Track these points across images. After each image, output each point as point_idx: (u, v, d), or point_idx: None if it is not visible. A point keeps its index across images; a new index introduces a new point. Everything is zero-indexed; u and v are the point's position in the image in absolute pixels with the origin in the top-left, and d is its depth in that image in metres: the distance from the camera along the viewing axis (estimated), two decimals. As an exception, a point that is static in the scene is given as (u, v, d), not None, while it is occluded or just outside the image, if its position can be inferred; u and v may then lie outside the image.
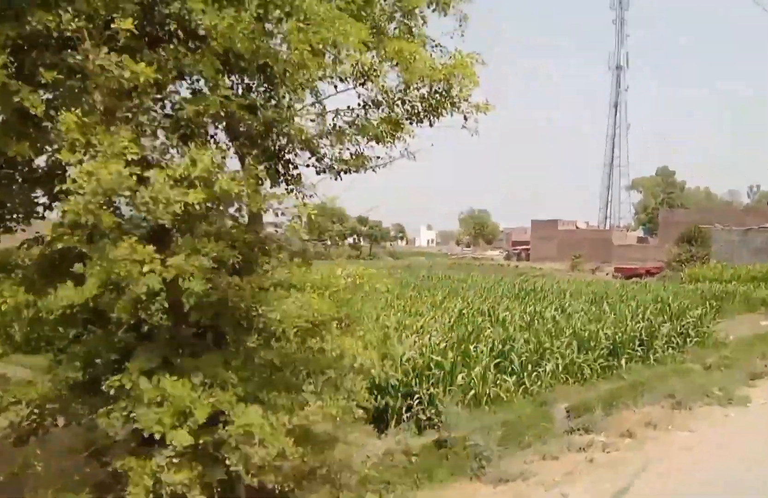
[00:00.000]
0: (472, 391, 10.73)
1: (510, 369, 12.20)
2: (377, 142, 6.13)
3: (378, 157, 6.42)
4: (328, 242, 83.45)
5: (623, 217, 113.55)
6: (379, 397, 10.26)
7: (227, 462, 4.61)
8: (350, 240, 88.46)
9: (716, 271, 39.79)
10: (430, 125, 5.96)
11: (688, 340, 16.69)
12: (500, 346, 12.60)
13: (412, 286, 28.18)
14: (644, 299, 21.53)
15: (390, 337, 11.78)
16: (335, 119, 5.89)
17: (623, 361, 14.02)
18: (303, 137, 5.56)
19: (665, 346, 15.64)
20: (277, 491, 5.04)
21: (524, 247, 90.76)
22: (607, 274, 56.96)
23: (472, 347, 12.25)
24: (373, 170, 6.43)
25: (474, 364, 11.44)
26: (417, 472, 8.30)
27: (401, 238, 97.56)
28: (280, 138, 5.60)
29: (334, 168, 6.25)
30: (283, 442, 4.59)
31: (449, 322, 15.84)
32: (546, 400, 11.57)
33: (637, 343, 15.05)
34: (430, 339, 11.87)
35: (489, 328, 14.39)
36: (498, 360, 12.39)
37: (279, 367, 5.20)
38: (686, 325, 17.20)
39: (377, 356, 6.21)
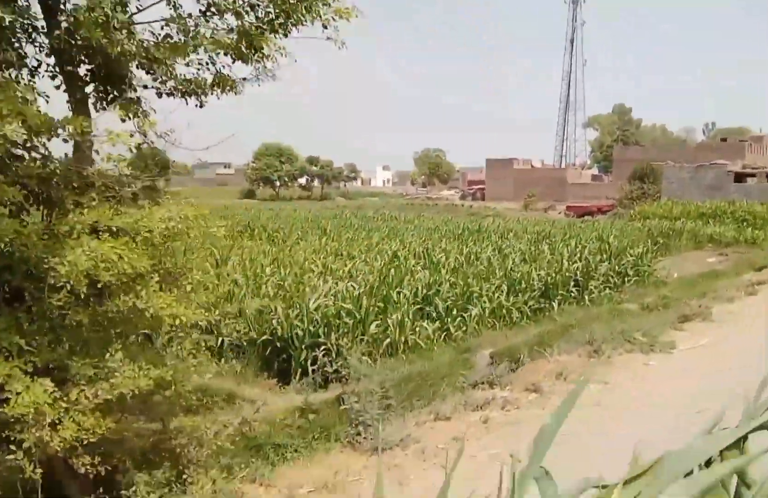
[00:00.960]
0: (388, 340, 10.10)
1: (435, 314, 11.64)
2: (237, 60, 5.25)
3: (243, 78, 5.55)
4: (277, 183, 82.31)
5: (579, 154, 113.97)
6: (281, 349, 9.64)
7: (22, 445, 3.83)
8: (301, 180, 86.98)
9: (666, 208, 39.93)
10: (285, 35, 5.07)
11: (626, 279, 16.32)
12: (425, 291, 12.00)
13: (355, 227, 27.47)
14: (587, 238, 21.21)
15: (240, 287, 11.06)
16: (166, 27, 4.95)
17: (555, 303, 13.55)
18: (132, 51, 4.62)
19: (602, 286, 15.24)
20: (103, 473, 4.29)
21: (479, 186, 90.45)
22: (559, 213, 56.95)
23: (394, 292, 11.63)
24: (234, 92, 5.53)
25: (394, 310, 10.81)
26: (314, 432, 7.64)
27: (354, 179, 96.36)
28: (108, 52, 4.65)
29: (179, 89, 5.32)
30: (82, 420, 3.82)
31: (380, 265, 15.20)
32: (470, 346, 11.03)
33: (572, 283, 14.61)
34: (346, 285, 11.17)
35: (419, 271, 13.79)
36: (421, 305, 11.84)
37: (90, 330, 4.36)
38: (625, 265, 16.83)
39: (212, 312, 5.40)
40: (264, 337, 9.76)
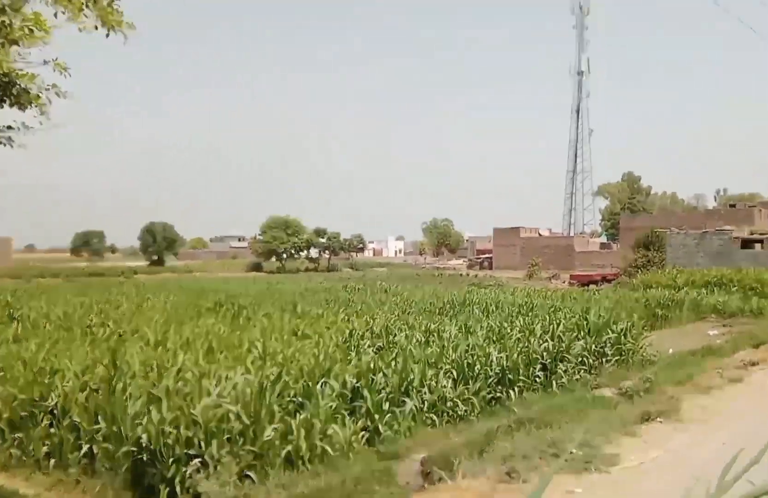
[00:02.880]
0: (289, 448, 8.20)
1: (365, 410, 9.76)
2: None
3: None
4: (284, 255, 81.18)
5: (588, 223, 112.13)
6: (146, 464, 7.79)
7: None
8: (308, 252, 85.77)
9: (669, 277, 37.93)
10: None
11: (604, 360, 14.32)
12: (354, 381, 10.14)
13: (330, 301, 25.73)
14: (575, 310, 19.28)
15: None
16: None
17: (514, 392, 11.59)
18: None
19: (575, 368, 13.27)
20: None
21: (487, 255, 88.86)
22: (563, 282, 54.96)
23: (318, 386, 9.80)
24: None
25: (314, 407, 8.96)
26: None
27: (362, 249, 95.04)
28: None
29: None
30: None
31: (328, 346, 13.42)
32: (398, 451, 9.10)
33: (539, 366, 12.66)
34: (247, 379, 9.30)
35: (364, 354, 12.00)
36: (352, 398, 9.98)
37: None
38: (605, 342, 14.84)
39: None
40: (125, 448, 7.93)
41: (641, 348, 15.86)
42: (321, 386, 9.89)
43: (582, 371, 13.41)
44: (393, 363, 10.95)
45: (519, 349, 12.65)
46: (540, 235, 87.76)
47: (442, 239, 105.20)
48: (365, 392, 9.86)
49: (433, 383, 10.61)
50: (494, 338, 14.31)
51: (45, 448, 8.63)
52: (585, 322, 15.53)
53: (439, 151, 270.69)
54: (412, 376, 10.56)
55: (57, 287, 40.83)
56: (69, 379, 9.94)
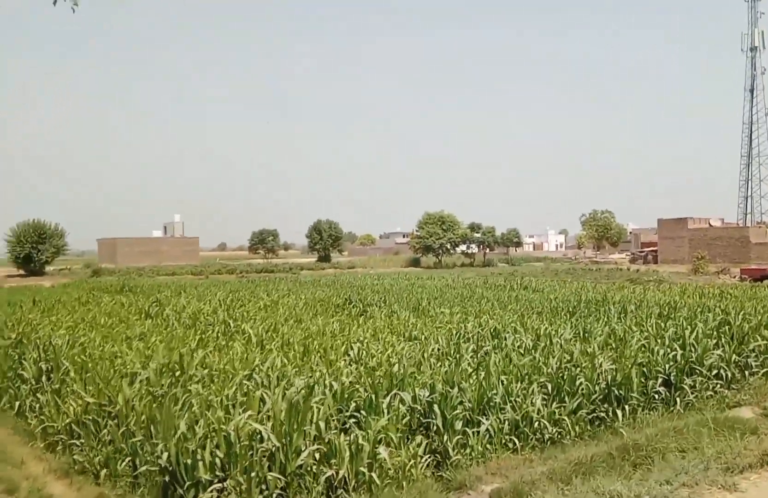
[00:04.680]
0: (329, 473, 7.02)
1: (435, 430, 8.38)
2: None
3: None
4: (440, 251, 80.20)
5: (766, 211, 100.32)
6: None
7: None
8: (463, 247, 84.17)
9: None
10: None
11: (747, 372, 11.75)
12: (426, 395, 8.77)
13: (463, 299, 24.24)
14: (728, 311, 16.46)
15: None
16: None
17: (622, 411, 9.57)
18: None
19: (708, 382, 10.92)
20: None
21: (651, 249, 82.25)
22: (734, 276, 49.19)
23: (386, 399, 8.57)
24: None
25: (368, 426, 7.75)
26: None
27: (518, 244, 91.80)
28: None
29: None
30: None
31: (420, 352, 12.20)
32: (466, 480, 7.63)
33: (660, 381, 10.49)
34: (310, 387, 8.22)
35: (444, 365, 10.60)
36: (424, 415, 8.63)
37: None
38: (751, 352, 12.22)
39: None
40: (144, 467, 7.16)
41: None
42: (390, 399, 8.68)
43: (719, 386, 11.03)
44: (475, 374, 9.44)
45: (635, 358, 10.59)
46: (710, 225, 79.72)
47: (603, 232, 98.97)
48: (435, 408, 8.47)
49: (520, 399, 8.97)
50: (613, 345, 12.29)
51: (99, 457, 8.11)
52: (728, 327, 12.95)
53: (601, 139, 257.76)
54: (494, 391, 9.00)
55: (220, 283, 42.69)
56: (139, 382, 9.52)
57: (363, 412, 8.34)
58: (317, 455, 7.18)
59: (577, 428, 9.09)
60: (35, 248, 67.36)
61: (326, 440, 7.33)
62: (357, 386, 9.09)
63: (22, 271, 67.46)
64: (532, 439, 8.68)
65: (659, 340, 12.06)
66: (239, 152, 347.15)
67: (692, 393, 10.57)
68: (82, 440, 8.67)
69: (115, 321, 17.93)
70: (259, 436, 6.99)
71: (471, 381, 9.20)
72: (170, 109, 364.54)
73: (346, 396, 8.65)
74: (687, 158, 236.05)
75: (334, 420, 8.13)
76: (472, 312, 18.86)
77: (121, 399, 8.78)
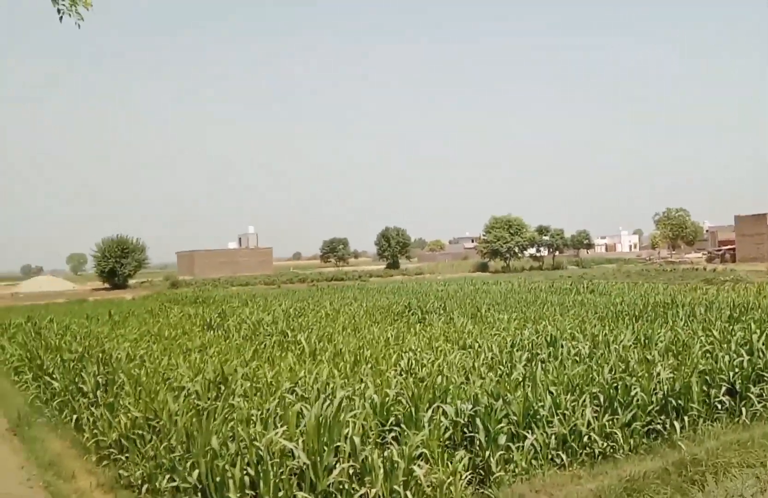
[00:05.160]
0: (362, 491, 6.73)
1: (478, 444, 7.96)
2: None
3: None
4: (507, 254, 78.77)
5: None
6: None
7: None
8: (532, 250, 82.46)
9: None
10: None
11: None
12: (469, 408, 8.37)
13: (525, 303, 23.55)
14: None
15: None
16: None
17: (680, 423, 8.87)
18: None
19: (775, 393, 10.04)
20: None
21: (729, 247, 78.37)
22: (818, 273, 46.17)
23: (428, 412, 8.23)
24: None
25: (406, 440, 7.43)
26: None
27: (589, 246, 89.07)
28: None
29: None
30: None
31: (476, 359, 11.85)
32: (506, 499, 7.20)
33: (724, 391, 9.71)
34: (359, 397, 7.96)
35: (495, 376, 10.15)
36: (467, 428, 8.24)
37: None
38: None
39: None
40: (170, 484, 7.05)
41: None
42: (432, 412, 8.34)
43: (791, 396, 10.13)
44: (522, 385, 8.97)
45: (695, 366, 9.85)
46: (793, 220, 75.26)
47: (677, 231, 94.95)
48: (477, 422, 8.06)
49: (569, 412, 8.44)
50: (675, 352, 11.54)
51: (141, 472, 8.09)
52: (802, 331, 11.94)
53: (675, 135, 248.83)
54: (542, 403, 8.51)
55: (290, 292, 43.15)
56: (184, 395, 9.52)
57: (403, 425, 8.04)
58: (351, 472, 6.92)
59: (631, 441, 8.49)
60: (119, 262, 70.03)
61: (361, 457, 7.05)
62: (400, 398, 8.81)
63: (107, 285, 70.32)
64: (581, 455, 8.15)
65: (724, 346, 11.23)
66: (310, 163, 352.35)
67: (760, 402, 9.74)
68: (128, 454, 8.70)
69: (178, 332, 18.24)
70: (290, 453, 6.79)
71: (517, 393, 8.73)
72: (245, 121, 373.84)
73: (386, 409, 8.38)
74: (765, 149, 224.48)
75: (372, 434, 7.87)
76: (531, 318, 18.24)
77: (165, 413, 8.79)
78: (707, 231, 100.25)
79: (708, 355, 10.79)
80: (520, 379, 9.61)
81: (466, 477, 7.42)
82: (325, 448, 6.83)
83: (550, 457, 8.01)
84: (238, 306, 28.04)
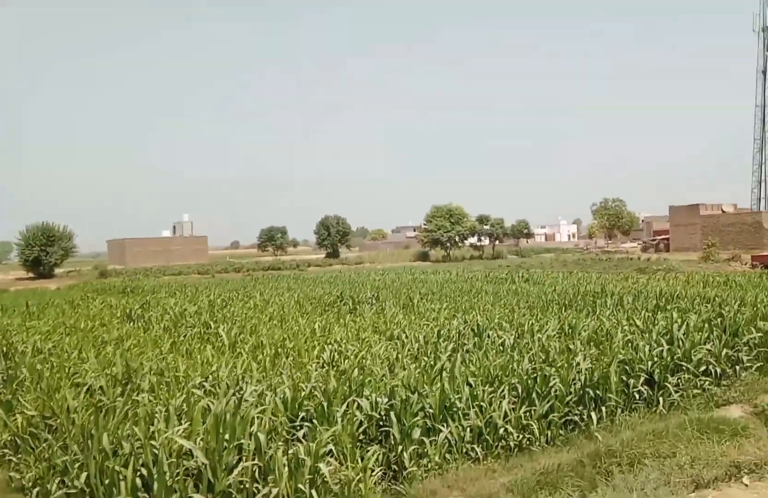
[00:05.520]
0: (264, 490, 6.48)
1: (393, 440, 7.81)
2: None
3: None
4: (447, 244, 79.42)
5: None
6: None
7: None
8: (472, 240, 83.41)
9: None
10: None
11: (738, 367, 11.07)
12: (385, 402, 8.21)
13: (459, 294, 23.64)
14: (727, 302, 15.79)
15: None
16: None
17: (598, 413, 8.93)
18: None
19: (694, 380, 10.26)
20: None
21: (663, 237, 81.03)
22: (745, 263, 48.13)
23: (342, 407, 8.03)
24: None
25: (314, 437, 7.20)
26: None
27: (528, 235, 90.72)
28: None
29: None
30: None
31: (400, 350, 11.73)
32: (416, 495, 7.07)
33: (643, 379, 9.85)
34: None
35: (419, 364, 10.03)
36: (382, 423, 8.08)
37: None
38: (744, 345, 11.55)
39: None
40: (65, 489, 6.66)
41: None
42: (348, 406, 8.15)
43: (707, 383, 10.37)
44: (439, 377, 8.86)
45: (615, 355, 9.95)
46: (723, 211, 78.33)
47: (614, 221, 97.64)
48: (392, 415, 7.91)
49: (486, 404, 8.38)
50: (597, 341, 11.68)
51: (31, 474, 7.63)
52: (720, 320, 12.28)
53: (612, 127, 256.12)
54: (459, 395, 8.43)
55: (224, 282, 42.34)
56: (86, 391, 9.07)
57: (315, 421, 7.83)
58: (255, 471, 6.65)
59: (548, 433, 8.50)
60: (44, 251, 67.42)
61: (268, 455, 6.79)
62: (315, 393, 8.57)
63: (31, 274, 67.61)
64: (496, 448, 8.10)
65: (646, 335, 11.43)
66: (247, 150, 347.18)
67: (678, 391, 9.92)
68: (21, 456, 8.21)
69: (96, 324, 17.53)
70: (190, 452, 6.48)
71: (435, 385, 8.62)
72: (177, 106, 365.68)
73: (298, 404, 8.14)
74: (699, 144, 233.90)
75: (282, 431, 7.63)
76: (462, 308, 18.27)
77: (64, 411, 8.33)
78: (643, 221, 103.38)
79: (629, 344, 10.93)
80: (439, 370, 9.49)
81: (378, 473, 7.27)
82: (226, 445, 6.53)
83: (465, 450, 7.93)
84: (165, 296, 27.26)
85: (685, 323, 11.83)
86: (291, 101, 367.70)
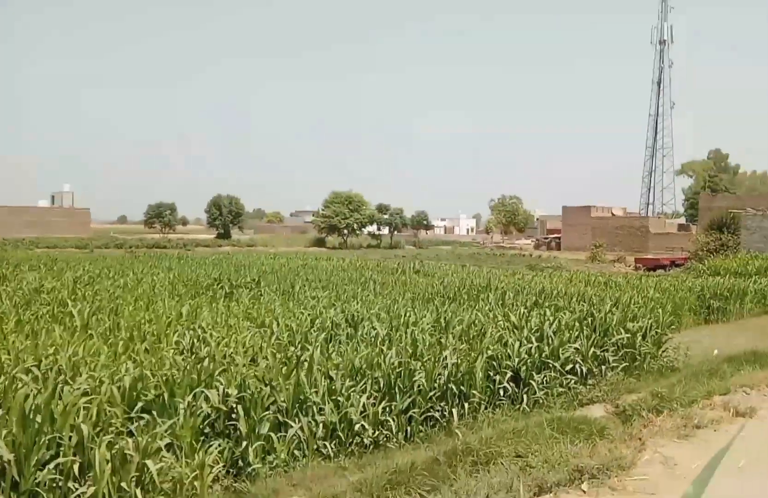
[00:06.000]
0: (81, 490, 5.94)
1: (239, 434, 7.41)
2: None
3: None
4: (345, 231, 79.38)
5: (668, 203, 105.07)
6: None
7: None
8: (371, 228, 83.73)
9: (741, 263, 33.84)
10: None
11: (604, 367, 11.41)
12: (235, 394, 7.79)
13: (347, 282, 23.42)
14: (604, 301, 16.35)
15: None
16: None
17: (460, 409, 8.90)
18: None
19: (560, 379, 10.45)
20: None
21: (555, 236, 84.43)
22: (629, 265, 50.77)
23: (190, 397, 7.54)
24: None
25: (147, 430, 6.69)
26: None
27: (427, 226, 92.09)
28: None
29: None
30: None
31: (268, 338, 11.31)
32: (257, 496, 6.72)
33: (509, 376, 9.92)
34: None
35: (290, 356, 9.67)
36: (232, 420, 7.65)
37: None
38: (614, 344, 11.93)
39: None
40: None
41: (663, 351, 12.85)
42: (194, 398, 7.67)
43: (573, 382, 10.59)
44: (296, 369, 8.52)
45: (482, 351, 9.95)
46: (613, 214, 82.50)
47: (510, 217, 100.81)
48: (239, 409, 7.51)
49: (343, 399, 8.12)
50: (470, 336, 11.71)
51: None
52: (590, 319, 12.62)
53: (512, 124, 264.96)
54: (316, 388, 8.13)
55: (102, 258, 40.25)
56: None
57: (155, 413, 7.31)
58: (74, 468, 6.07)
59: (408, 429, 8.36)
60: None
61: (91, 450, 6.23)
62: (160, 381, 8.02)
63: None
64: (351, 445, 7.86)
65: (516, 332, 11.55)
66: (142, 121, 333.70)
67: (543, 389, 10.06)
68: None
69: (-66, 299, 16.00)
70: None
71: (292, 378, 8.28)
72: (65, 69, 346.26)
73: (136, 394, 7.58)
74: (595, 147, 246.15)
75: (117, 423, 7.05)
76: (345, 297, 18.02)
77: None
78: (537, 219, 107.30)
79: (500, 340, 11.00)
80: (298, 362, 9.14)
81: (217, 470, 6.86)
82: (37, 440, 5.92)
83: (316, 447, 7.64)
84: (29, 270, 25.49)
85: (557, 321, 12.05)
86: (193, 72, 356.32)
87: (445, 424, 8.76)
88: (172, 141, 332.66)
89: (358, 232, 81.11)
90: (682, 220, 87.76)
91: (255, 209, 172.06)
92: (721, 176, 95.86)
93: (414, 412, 8.48)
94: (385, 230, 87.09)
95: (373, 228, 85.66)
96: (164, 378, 7.81)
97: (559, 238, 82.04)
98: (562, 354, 10.78)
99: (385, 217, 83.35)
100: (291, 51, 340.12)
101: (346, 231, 79.05)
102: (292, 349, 10.65)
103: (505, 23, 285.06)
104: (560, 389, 10.29)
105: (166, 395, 7.49)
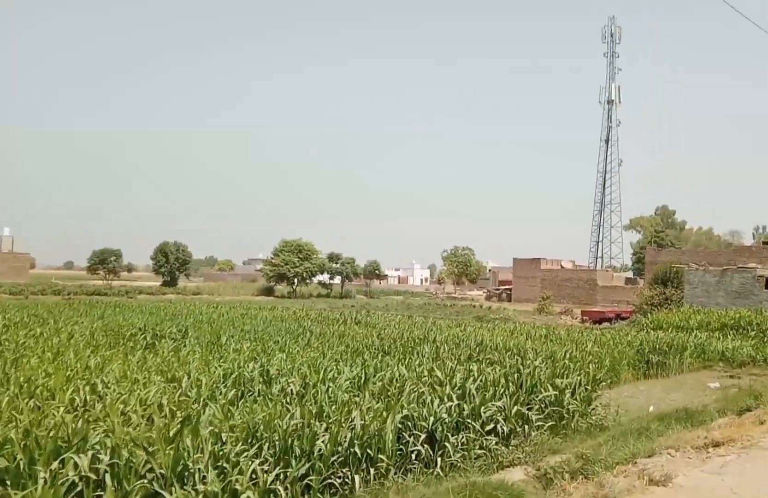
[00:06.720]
0: None
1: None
2: None
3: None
4: (294, 280, 78.34)
5: (616, 257, 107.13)
6: None
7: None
8: (321, 277, 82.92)
9: (683, 317, 34.11)
10: None
11: (527, 426, 10.89)
12: (107, 461, 7.01)
13: (281, 334, 22.65)
14: (539, 354, 15.95)
15: None
16: None
17: (363, 475, 8.24)
18: None
19: (478, 440, 9.88)
20: None
21: (506, 287, 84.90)
22: (576, 318, 51.04)
23: (56, 464, 6.73)
24: None
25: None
26: None
27: (378, 276, 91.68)
28: None
29: None
30: None
31: (172, 394, 10.52)
32: None
33: (424, 437, 9.30)
34: None
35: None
36: (87, 490, 6.86)
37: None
38: (539, 402, 11.45)
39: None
40: None
41: (593, 409, 12.43)
42: (61, 464, 6.86)
43: (494, 443, 10.02)
44: (180, 433, 7.77)
45: (393, 410, 9.33)
46: (562, 267, 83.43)
47: (462, 269, 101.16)
48: (107, 478, 6.72)
49: (229, 467, 7.38)
50: (390, 394, 11.09)
51: None
52: (517, 375, 12.14)
53: (467, 180, 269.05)
54: (200, 454, 7.38)
55: (35, 305, 38.56)
56: None
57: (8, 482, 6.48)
58: None
59: (298, 498, 7.64)
60: None
61: None
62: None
63: None
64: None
65: (438, 388, 10.98)
66: (88, 165, 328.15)
67: (461, 451, 9.46)
68: None
69: None
70: None
71: (177, 440, 7.52)
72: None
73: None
74: (547, 200, 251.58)
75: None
76: (273, 349, 17.26)
77: None
78: (490, 270, 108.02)
79: (419, 398, 10.40)
80: (182, 422, 8.39)
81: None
82: None
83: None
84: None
85: (482, 377, 11.54)
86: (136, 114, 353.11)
87: (347, 491, 8.07)
88: (121, 186, 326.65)
89: (308, 281, 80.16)
90: (630, 274, 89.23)
91: (207, 256, 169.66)
92: (667, 232, 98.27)
93: (311, 480, 7.77)
94: (338, 279, 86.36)
95: (324, 277, 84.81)
96: (22, 443, 6.98)
97: (510, 289, 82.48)
98: (484, 413, 10.22)
99: (336, 266, 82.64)
100: (238, 91, 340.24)
101: (295, 280, 78.02)
102: (194, 406, 9.91)
103: (457, 73, 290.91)
104: (479, 451, 9.70)
105: (23, 462, 6.66)
